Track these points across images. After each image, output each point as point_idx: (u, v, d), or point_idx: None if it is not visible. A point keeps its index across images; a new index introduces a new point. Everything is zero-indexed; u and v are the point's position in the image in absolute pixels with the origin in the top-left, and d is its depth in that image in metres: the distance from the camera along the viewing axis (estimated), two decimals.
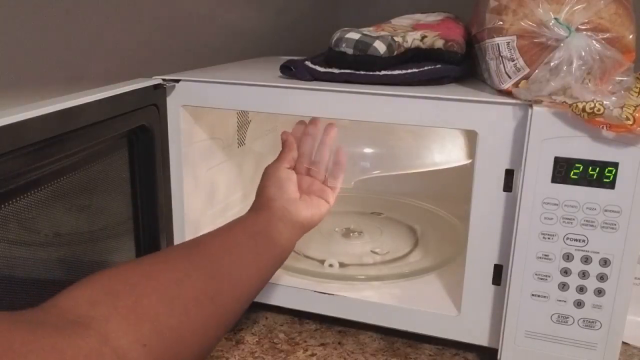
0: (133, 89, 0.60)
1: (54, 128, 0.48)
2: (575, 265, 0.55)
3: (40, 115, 0.46)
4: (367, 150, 0.68)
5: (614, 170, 0.52)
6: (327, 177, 0.65)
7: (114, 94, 0.57)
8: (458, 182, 0.77)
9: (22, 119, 0.45)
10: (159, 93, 0.65)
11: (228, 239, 0.53)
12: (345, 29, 0.65)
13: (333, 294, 0.67)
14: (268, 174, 0.62)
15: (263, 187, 0.61)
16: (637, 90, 0.54)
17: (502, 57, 0.55)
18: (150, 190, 0.66)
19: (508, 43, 0.54)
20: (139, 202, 0.65)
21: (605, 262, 0.55)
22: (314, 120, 0.66)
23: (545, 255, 0.56)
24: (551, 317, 0.57)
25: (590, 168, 0.53)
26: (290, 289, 0.69)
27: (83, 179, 0.56)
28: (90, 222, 0.58)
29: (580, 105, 0.50)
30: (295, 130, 0.66)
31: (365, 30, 0.65)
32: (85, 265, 0.57)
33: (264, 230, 0.56)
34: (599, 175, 0.53)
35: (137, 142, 0.63)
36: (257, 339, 0.67)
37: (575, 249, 0.55)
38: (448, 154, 0.68)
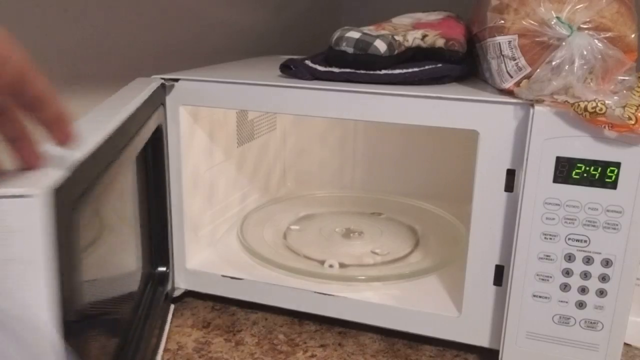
0: (150, 92, 0.59)
1: None
2: (577, 266, 0.55)
3: None
4: None
5: (616, 170, 0.52)
6: None
7: (139, 104, 0.55)
8: (459, 182, 0.77)
9: None
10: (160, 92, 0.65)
11: None
12: (346, 27, 0.65)
13: (333, 295, 0.66)
14: None
15: None
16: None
17: (503, 56, 0.55)
18: (149, 190, 0.65)
19: (509, 42, 0.54)
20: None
21: (607, 263, 0.54)
22: None
23: (547, 256, 0.56)
24: (553, 318, 0.57)
25: (592, 168, 0.52)
26: (290, 290, 0.68)
27: None
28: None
29: (582, 105, 0.50)
30: None
31: (366, 29, 0.65)
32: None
33: None
34: (601, 175, 0.52)
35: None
36: (256, 340, 0.67)
37: (577, 250, 0.55)
38: None
